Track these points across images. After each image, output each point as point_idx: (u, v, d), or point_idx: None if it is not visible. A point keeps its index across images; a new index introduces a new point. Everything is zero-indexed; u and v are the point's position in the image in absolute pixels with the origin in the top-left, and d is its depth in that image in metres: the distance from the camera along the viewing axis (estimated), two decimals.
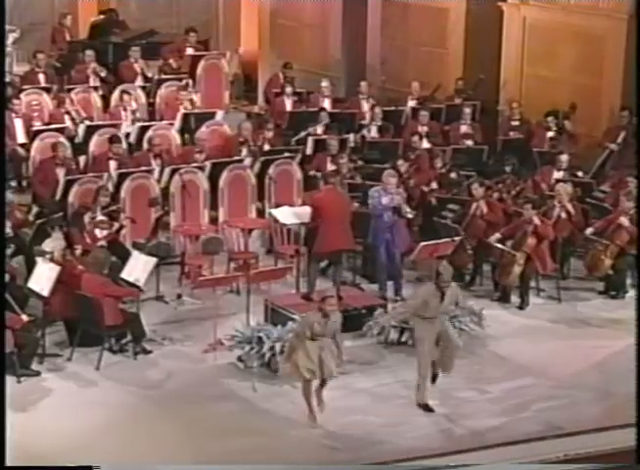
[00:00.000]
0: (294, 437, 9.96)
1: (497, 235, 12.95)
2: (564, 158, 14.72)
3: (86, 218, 12.66)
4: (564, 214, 13.43)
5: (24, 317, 10.89)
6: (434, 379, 10.64)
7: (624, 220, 13.10)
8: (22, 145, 15.25)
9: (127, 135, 15.53)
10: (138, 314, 11.58)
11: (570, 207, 13.44)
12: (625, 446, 9.46)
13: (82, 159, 15.03)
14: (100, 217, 12.76)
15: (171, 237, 13.68)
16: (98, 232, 12.65)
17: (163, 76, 17.44)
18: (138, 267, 11.66)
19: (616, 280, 13.24)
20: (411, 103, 17.27)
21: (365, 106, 17.05)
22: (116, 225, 12.83)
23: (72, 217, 13.06)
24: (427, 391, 10.44)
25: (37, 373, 10.93)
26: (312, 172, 14.81)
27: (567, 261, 13.71)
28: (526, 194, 13.97)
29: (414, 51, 18.71)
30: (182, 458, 9.55)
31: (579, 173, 14.89)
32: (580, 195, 14.13)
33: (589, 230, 13.30)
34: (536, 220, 12.79)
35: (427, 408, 10.43)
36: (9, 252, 11.87)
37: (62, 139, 14.73)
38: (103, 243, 12.51)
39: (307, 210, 12.80)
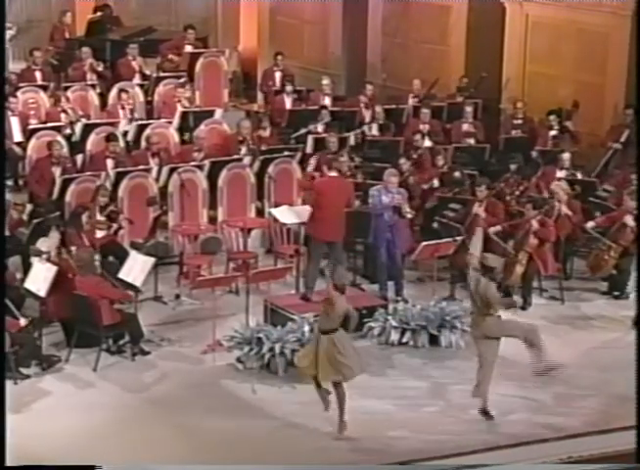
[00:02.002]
0: (294, 438, 9.88)
1: (498, 227, 12.81)
2: (565, 156, 14.62)
3: (84, 218, 12.55)
4: (565, 210, 13.31)
5: (23, 321, 10.80)
6: None
7: (629, 220, 12.97)
8: (18, 143, 15.13)
9: (125, 133, 15.43)
10: (136, 315, 11.53)
11: (564, 208, 13.30)
12: (629, 448, 9.39)
13: (79, 157, 14.91)
14: (98, 217, 12.67)
15: (170, 237, 13.62)
16: (97, 232, 12.57)
17: (162, 74, 17.34)
18: (136, 268, 11.61)
19: (619, 280, 13.13)
20: (412, 101, 17.18)
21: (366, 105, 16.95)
22: (115, 226, 12.74)
23: (70, 217, 12.97)
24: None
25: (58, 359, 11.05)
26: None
27: (569, 261, 13.61)
28: (530, 193, 13.86)
29: (415, 48, 18.67)
30: (180, 460, 9.48)
31: (578, 174, 14.75)
32: (582, 194, 14.01)
33: (590, 224, 13.18)
34: (535, 225, 12.70)
35: (487, 414, 10.24)
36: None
37: (58, 138, 14.63)
38: (99, 243, 12.42)
39: (307, 209, 12.72)
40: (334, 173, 12.60)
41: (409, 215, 12.76)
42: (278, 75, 17.97)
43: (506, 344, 11.55)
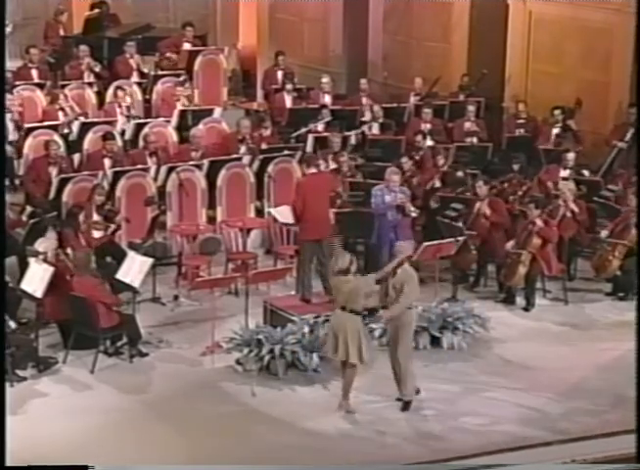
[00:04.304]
0: (293, 440, 9.80)
1: (512, 242, 12.69)
2: (570, 156, 14.51)
3: (81, 218, 12.46)
4: (569, 213, 13.21)
5: (12, 324, 10.73)
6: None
7: (634, 220, 12.84)
8: (15, 142, 15.00)
9: (123, 132, 15.32)
10: (134, 316, 11.48)
11: (573, 206, 13.20)
12: (633, 452, 9.29)
13: (77, 156, 14.80)
14: (95, 218, 12.58)
15: (168, 237, 13.57)
16: (94, 233, 12.48)
17: (160, 72, 17.26)
18: (134, 268, 11.54)
19: (624, 281, 13.01)
20: (414, 99, 17.08)
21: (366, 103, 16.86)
22: (112, 227, 12.66)
23: (66, 217, 12.87)
24: None
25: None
26: None
27: (573, 262, 13.49)
28: (533, 193, 13.74)
29: (417, 46, 18.64)
30: (178, 462, 9.43)
31: (585, 172, 14.64)
32: (587, 194, 13.91)
33: (604, 233, 13.04)
34: (540, 223, 12.57)
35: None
36: None
37: (55, 137, 14.53)
38: (96, 244, 12.33)
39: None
40: (313, 170, 12.41)
41: (413, 214, 12.66)
42: (279, 74, 17.88)
43: (512, 348, 11.55)
